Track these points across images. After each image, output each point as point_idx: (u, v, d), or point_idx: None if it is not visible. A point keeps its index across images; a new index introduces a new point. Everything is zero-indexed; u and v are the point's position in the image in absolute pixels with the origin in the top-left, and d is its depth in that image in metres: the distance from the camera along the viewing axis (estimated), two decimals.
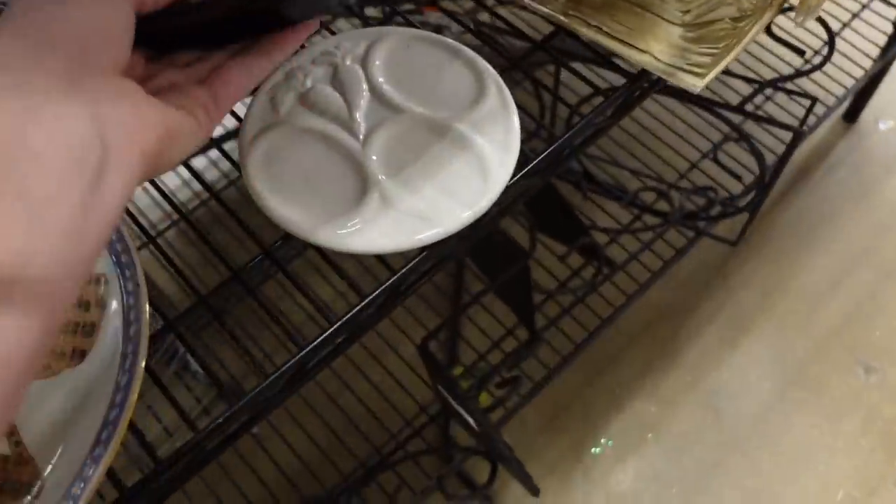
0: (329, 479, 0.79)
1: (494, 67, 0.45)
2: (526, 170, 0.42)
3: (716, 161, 0.89)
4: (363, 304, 0.39)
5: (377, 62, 0.46)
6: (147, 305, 0.35)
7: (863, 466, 0.94)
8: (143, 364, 0.33)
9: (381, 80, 0.45)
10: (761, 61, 1.06)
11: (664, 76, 0.44)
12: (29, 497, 0.31)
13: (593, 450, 0.96)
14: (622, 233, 0.85)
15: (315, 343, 0.38)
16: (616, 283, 0.88)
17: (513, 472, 0.66)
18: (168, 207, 0.80)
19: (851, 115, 1.19)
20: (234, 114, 0.49)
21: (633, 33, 0.45)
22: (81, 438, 0.32)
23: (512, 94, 0.44)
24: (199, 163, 1.00)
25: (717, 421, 0.98)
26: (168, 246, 0.93)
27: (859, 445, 0.95)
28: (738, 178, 0.88)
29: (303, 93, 0.45)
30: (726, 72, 0.75)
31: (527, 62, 0.47)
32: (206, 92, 0.33)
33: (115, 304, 0.35)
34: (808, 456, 0.95)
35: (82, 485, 0.31)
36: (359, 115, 0.44)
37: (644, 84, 0.46)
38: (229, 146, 0.51)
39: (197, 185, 0.98)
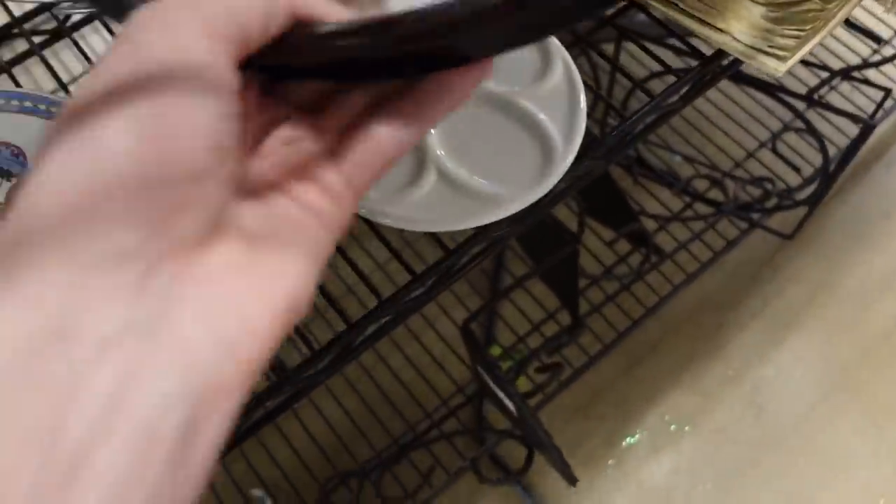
0: (362, 454, 0.78)
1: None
2: (591, 152, 0.40)
3: (774, 151, 0.85)
4: (413, 283, 0.38)
5: None
6: None
7: None
8: None
9: None
10: (825, 48, 1.02)
11: (744, 58, 0.41)
12: None
13: (628, 440, 0.94)
14: (672, 220, 0.83)
15: (360, 321, 0.37)
16: (663, 272, 0.86)
17: (550, 459, 0.65)
18: None
19: None
20: None
21: (712, 11, 0.43)
22: None
23: None
24: None
25: (758, 418, 0.95)
26: None
27: None
28: (796, 169, 0.85)
29: None
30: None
31: (589, 38, 0.45)
32: (339, 174, 0.22)
33: None
34: (850, 461, 0.92)
35: None
36: None
37: (717, 67, 0.43)
38: None
39: None
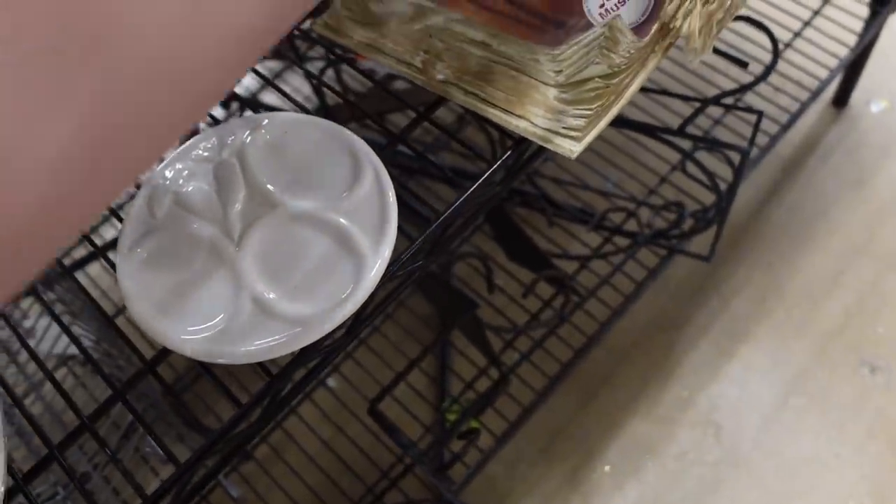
0: None
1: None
2: (410, 256, 0.41)
3: (685, 173, 0.86)
4: (240, 417, 0.38)
5: (253, 153, 0.45)
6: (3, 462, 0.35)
7: (872, 473, 0.90)
8: None
9: (258, 173, 0.44)
10: (703, 79, 1.03)
11: (540, 142, 0.42)
12: None
13: (591, 475, 0.94)
14: (591, 258, 0.83)
15: (191, 461, 0.37)
16: (589, 312, 0.86)
17: None
18: None
19: (841, 100, 1.14)
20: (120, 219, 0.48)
21: (511, 99, 0.44)
22: None
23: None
24: (93, 270, 0.98)
25: (717, 437, 0.95)
26: None
27: (867, 451, 0.91)
28: (709, 188, 0.85)
29: (179, 194, 0.44)
30: (674, 94, 0.73)
31: (404, 135, 0.46)
32: None
33: None
34: (814, 466, 0.91)
35: None
36: (234, 215, 0.43)
37: (529, 149, 0.44)
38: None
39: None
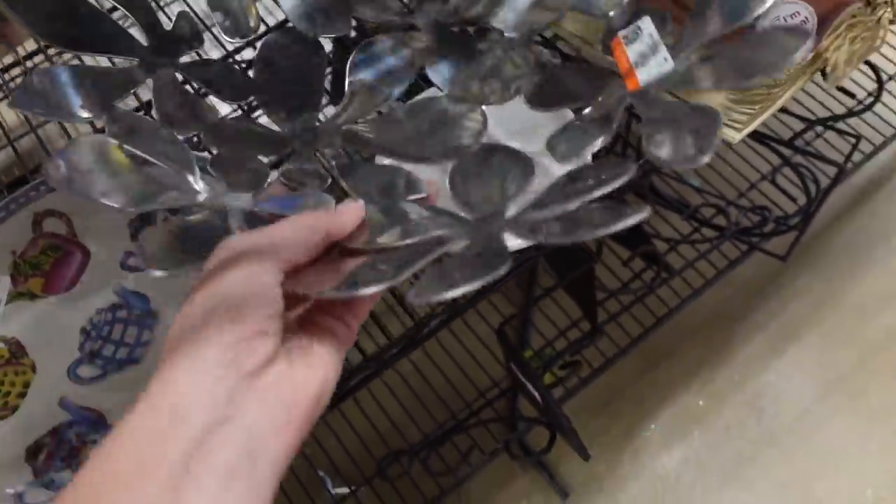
0: (412, 437, 0.93)
1: None
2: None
3: (773, 183, 0.98)
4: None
5: None
6: None
7: (893, 469, 1.02)
8: None
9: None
10: (820, 103, 1.15)
11: None
12: None
13: (643, 433, 1.07)
14: (681, 243, 0.96)
15: (425, 318, 0.51)
16: (673, 288, 0.99)
17: (569, 440, 0.78)
18: None
19: None
20: None
21: (691, 93, 0.57)
22: None
23: None
24: None
25: (759, 419, 1.07)
26: None
27: (892, 449, 1.03)
28: (792, 199, 0.98)
29: None
30: (784, 111, 0.85)
31: None
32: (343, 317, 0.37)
33: None
34: (842, 455, 1.03)
35: None
36: None
37: None
38: None
39: None
